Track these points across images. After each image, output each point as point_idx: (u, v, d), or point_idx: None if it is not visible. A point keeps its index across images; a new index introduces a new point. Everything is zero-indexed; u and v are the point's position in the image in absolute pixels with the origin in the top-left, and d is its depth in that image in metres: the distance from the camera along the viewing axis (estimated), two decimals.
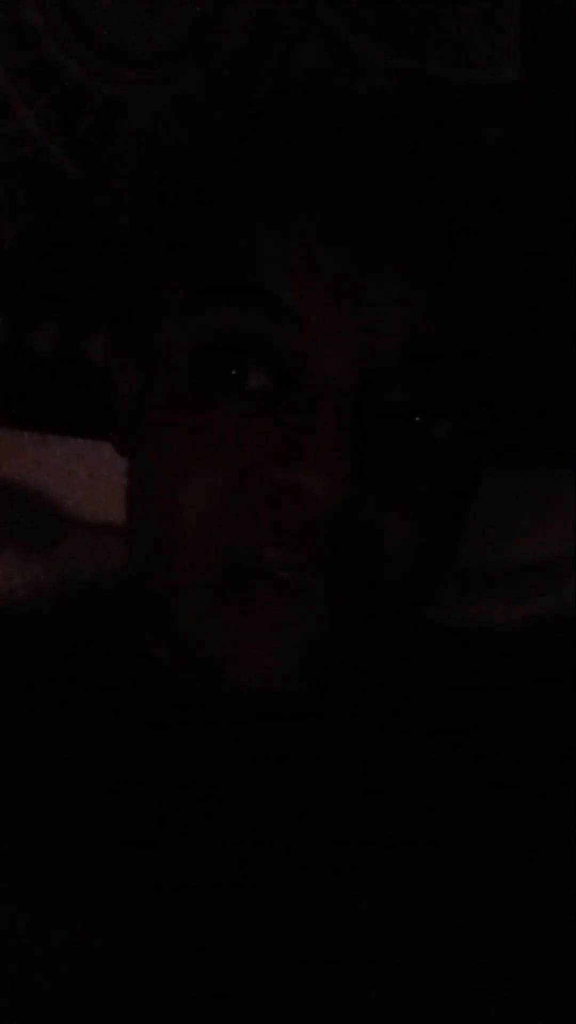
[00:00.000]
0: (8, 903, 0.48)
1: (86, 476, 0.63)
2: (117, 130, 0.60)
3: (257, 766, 0.51)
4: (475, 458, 0.51)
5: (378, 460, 0.46)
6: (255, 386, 0.47)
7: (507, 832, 0.50)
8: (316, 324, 0.46)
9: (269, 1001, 0.47)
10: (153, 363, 0.50)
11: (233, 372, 0.47)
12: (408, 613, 0.50)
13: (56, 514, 0.64)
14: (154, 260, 0.52)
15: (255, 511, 0.46)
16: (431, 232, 0.48)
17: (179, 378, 0.48)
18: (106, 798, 0.50)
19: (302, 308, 0.46)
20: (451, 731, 0.53)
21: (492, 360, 0.52)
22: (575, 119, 0.60)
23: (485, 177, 0.59)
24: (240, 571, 0.46)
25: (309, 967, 0.47)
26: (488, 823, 0.51)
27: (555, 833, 0.51)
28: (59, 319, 0.62)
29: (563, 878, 0.49)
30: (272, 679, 0.47)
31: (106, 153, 0.60)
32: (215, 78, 0.60)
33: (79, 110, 0.60)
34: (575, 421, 0.64)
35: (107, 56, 0.59)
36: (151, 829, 0.49)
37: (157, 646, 0.53)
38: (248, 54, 0.59)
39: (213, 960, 0.47)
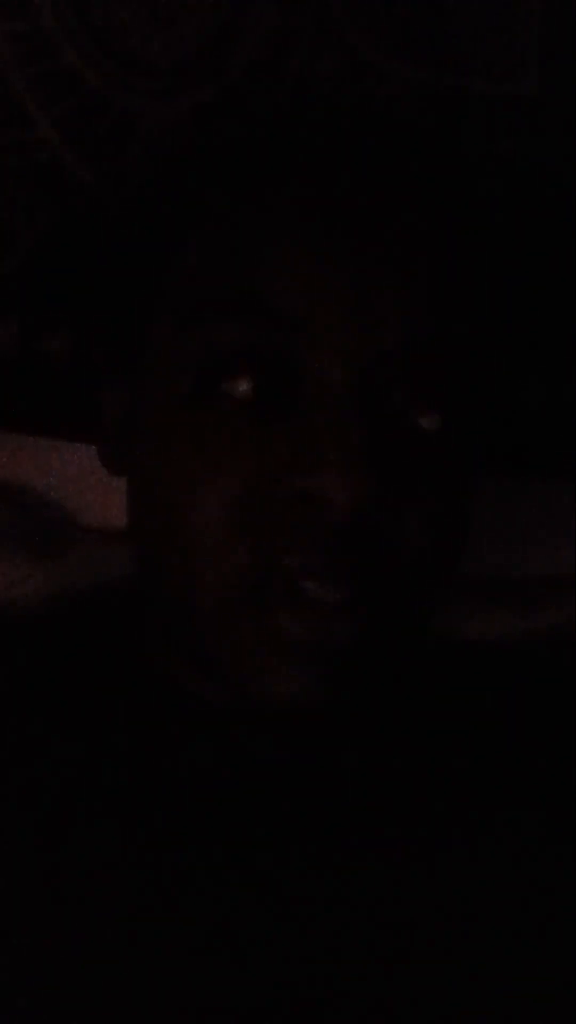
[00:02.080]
0: (11, 911, 0.47)
1: (96, 481, 0.63)
2: (133, 139, 0.61)
3: (264, 775, 0.50)
4: (471, 456, 0.50)
5: (387, 461, 0.46)
6: (255, 397, 0.46)
7: (513, 843, 0.50)
8: (316, 330, 0.45)
9: (275, 1008, 0.46)
10: (144, 381, 0.50)
11: (232, 384, 0.46)
12: (423, 616, 0.50)
13: (66, 520, 0.64)
14: (146, 275, 0.51)
15: (273, 521, 0.45)
16: (424, 232, 0.48)
17: (176, 394, 0.48)
18: (111, 805, 0.49)
19: (302, 315, 0.46)
20: (458, 743, 0.53)
21: (482, 357, 0.52)
22: None
23: (484, 182, 0.59)
24: (261, 583, 0.46)
25: (315, 974, 0.47)
26: (494, 834, 0.50)
27: (558, 844, 0.50)
28: (71, 325, 0.63)
29: (564, 884, 0.49)
30: (299, 696, 0.46)
31: (121, 162, 0.61)
32: (231, 89, 0.60)
33: (96, 119, 0.61)
34: None
35: (124, 66, 0.60)
36: (156, 836, 0.49)
37: (168, 656, 0.53)
38: (264, 65, 0.60)
39: (221, 968, 0.47)
